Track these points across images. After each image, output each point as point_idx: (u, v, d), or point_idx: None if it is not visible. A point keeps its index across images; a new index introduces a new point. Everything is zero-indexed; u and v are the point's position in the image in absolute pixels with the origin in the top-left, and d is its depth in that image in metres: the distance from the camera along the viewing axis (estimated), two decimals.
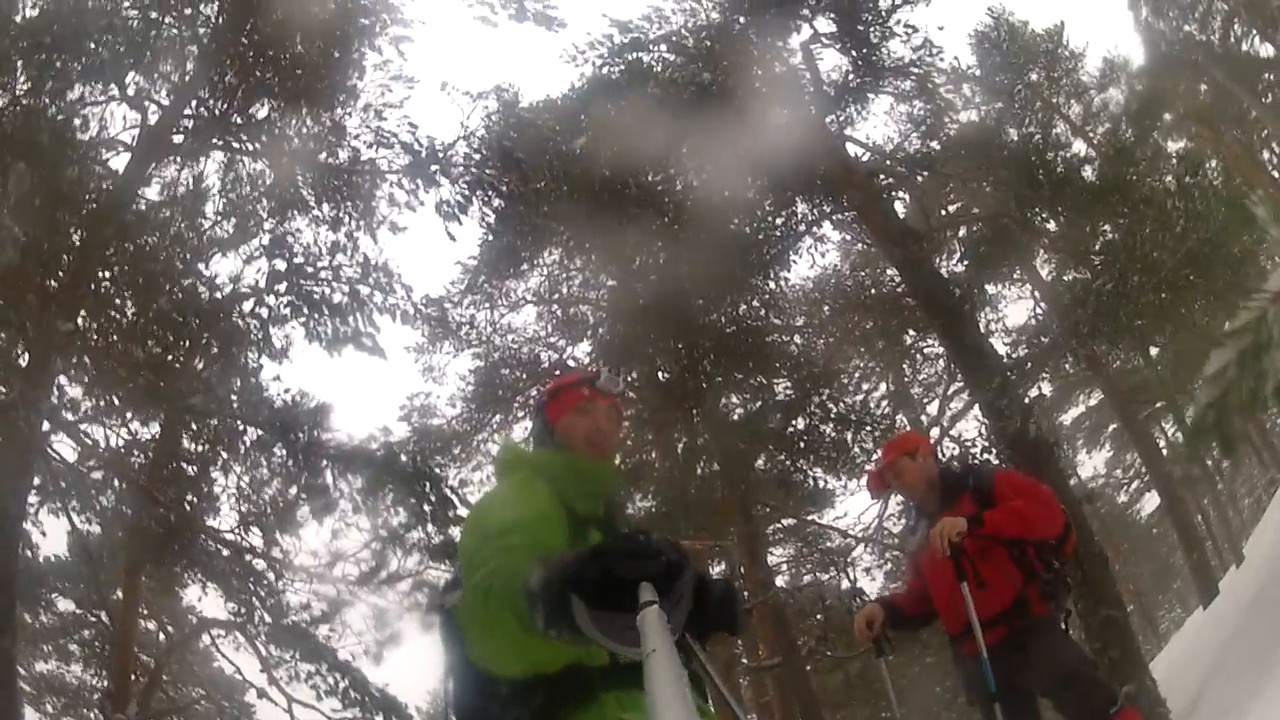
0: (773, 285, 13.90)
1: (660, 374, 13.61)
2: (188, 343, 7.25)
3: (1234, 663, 7.55)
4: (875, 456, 5.31)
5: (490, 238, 12.95)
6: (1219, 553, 23.50)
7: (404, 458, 9.10)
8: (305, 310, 8.34)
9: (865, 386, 18.25)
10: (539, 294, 16.03)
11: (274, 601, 9.48)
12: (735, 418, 15.75)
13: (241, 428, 7.28)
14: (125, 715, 8.32)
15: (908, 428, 16.11)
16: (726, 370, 13.59)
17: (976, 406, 10.45)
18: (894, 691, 5.01)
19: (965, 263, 11.57)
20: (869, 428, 14.07)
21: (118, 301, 8.01)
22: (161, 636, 12.60)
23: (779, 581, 17.54)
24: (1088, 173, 10.25)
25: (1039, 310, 17.46)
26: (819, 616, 12.21)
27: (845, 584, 11.61)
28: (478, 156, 10.44)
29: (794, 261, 13.79)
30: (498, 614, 1.66)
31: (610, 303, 14.72)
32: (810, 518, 16.98)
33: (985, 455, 11.15)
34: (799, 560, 19.54)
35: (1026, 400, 8.74)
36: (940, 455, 4.89)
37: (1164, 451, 22.87)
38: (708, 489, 14.25)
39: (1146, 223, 8.31)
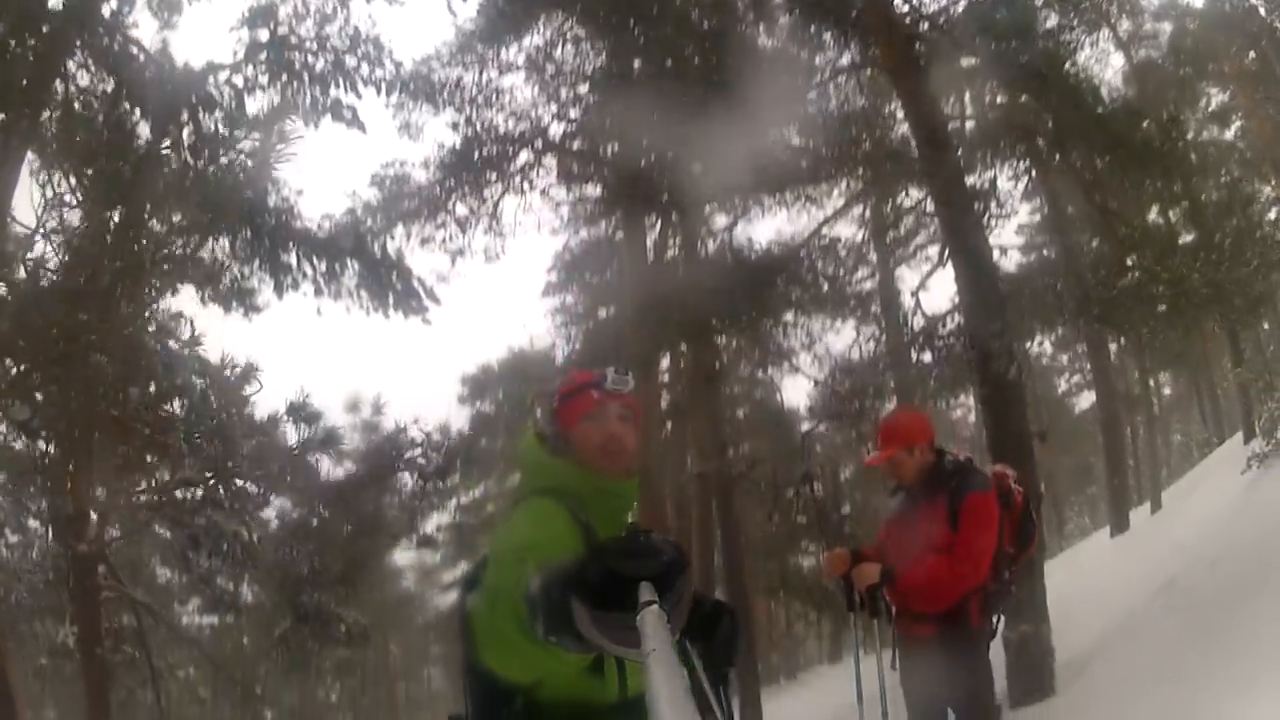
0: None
1: (643, 162, 13.25)
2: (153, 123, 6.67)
3: (1139, 642, 7.74)
4: (878, 433, 5.17)
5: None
6: (1138, 478, 24.25)
7: (374, 245, 8.75)
8: (284, 77, 7.69)
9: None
10: (532, 61, 15.02)
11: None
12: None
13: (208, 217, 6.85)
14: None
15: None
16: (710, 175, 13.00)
17: (961, 320, 10.20)
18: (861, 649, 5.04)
19: (988, 170, 10.90)
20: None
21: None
22: None
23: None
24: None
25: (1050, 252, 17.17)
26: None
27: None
28: None
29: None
30: (502, 620, 1.68)
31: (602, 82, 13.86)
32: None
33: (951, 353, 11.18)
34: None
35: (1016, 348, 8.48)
36: (934, 444, 4.76)
37: (1113, 358, 23.17)
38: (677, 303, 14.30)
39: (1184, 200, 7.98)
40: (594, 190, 17.09)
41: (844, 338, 17.24)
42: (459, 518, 24.81)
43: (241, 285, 7.42)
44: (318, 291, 8.33)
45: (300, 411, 10.16)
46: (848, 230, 17.40)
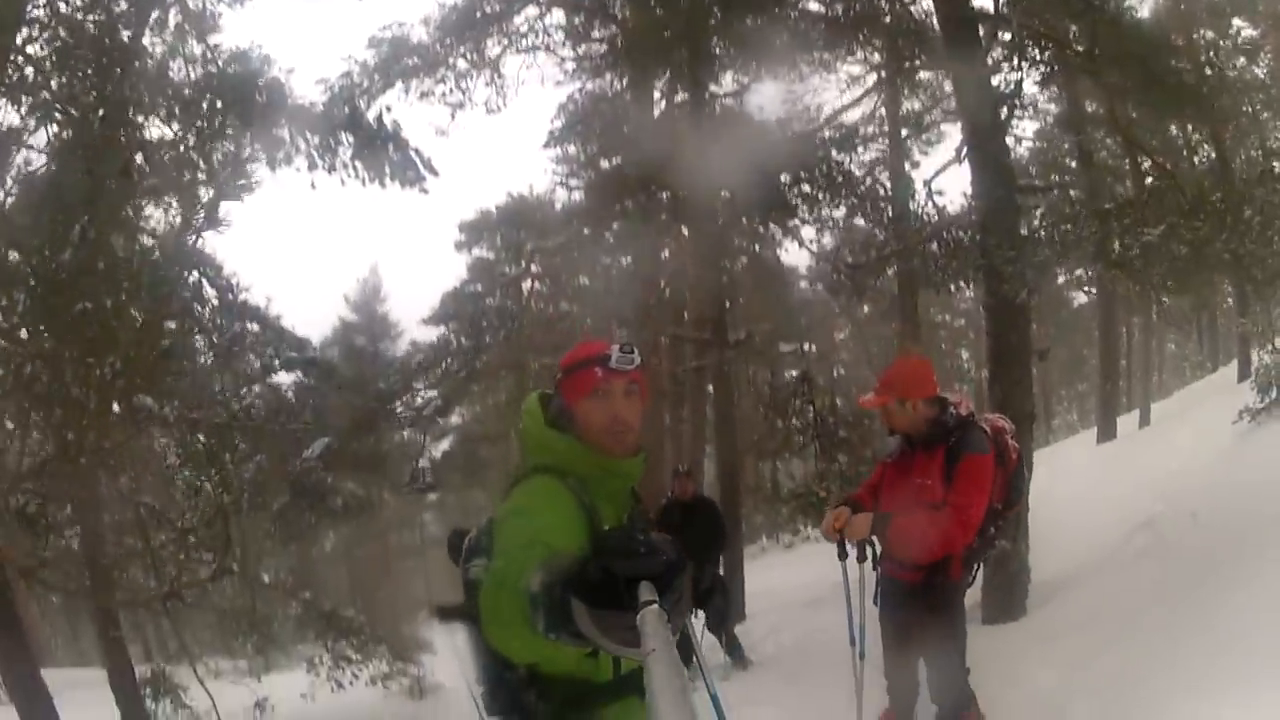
0: None
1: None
2: None
3: (1111, 579, 7.82)
4: (880, 378, 5.14)
5: None
6: (1129, 381, 24.31)
7: (370, 114, 8.36)
8: None
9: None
10: None
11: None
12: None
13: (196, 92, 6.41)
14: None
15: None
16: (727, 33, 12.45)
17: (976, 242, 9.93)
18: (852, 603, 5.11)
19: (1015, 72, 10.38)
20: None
21: None
22: None
23: None
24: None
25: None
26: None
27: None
28: None
29: None
30: (508, 608, 1.68)
31: None
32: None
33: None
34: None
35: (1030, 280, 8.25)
36: (938, 393, 4.73)
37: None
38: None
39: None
40: (600, 45, 16.57)
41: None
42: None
43: (237, 165, 7.12)
44: (311, 166, 8.04)
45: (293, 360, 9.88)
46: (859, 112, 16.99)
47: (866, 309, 23.68)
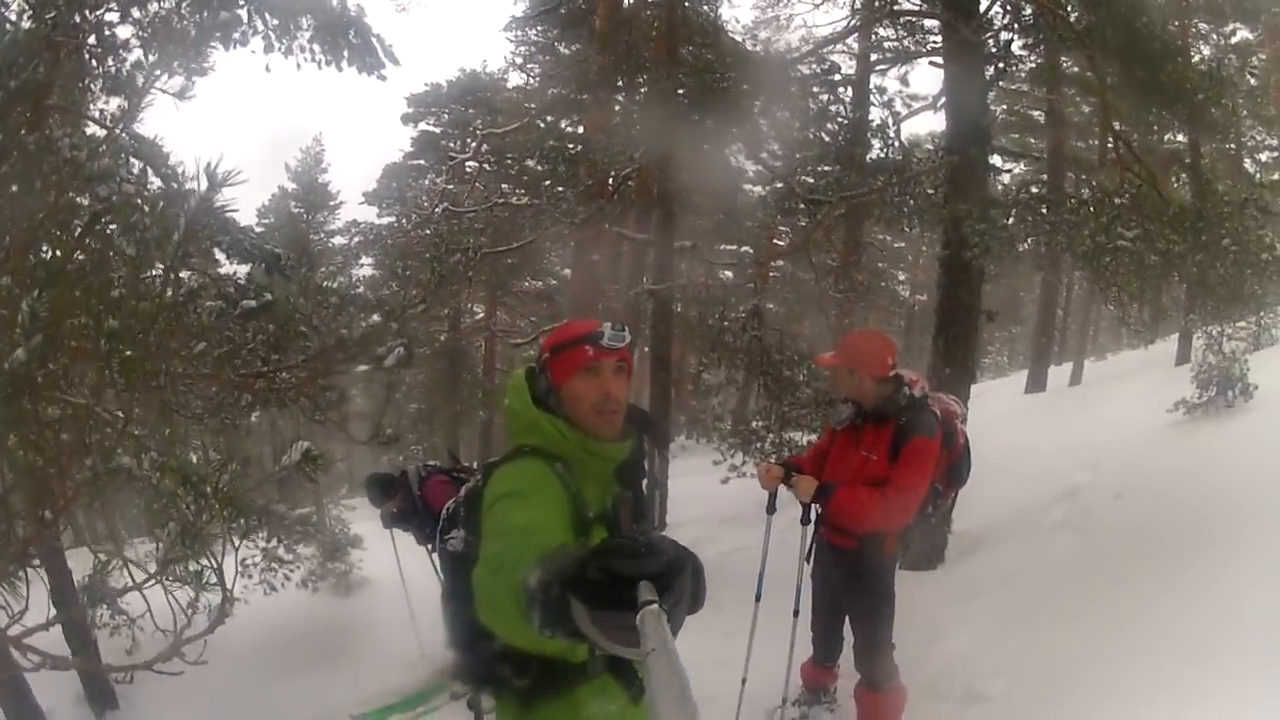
0: None
1: None
2: None
3: (1028, 545, 8.02)
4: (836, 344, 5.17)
5: None
6: (1063, 335, 24.81)
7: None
8: None
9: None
10: None
11: None
12: None
13: None
14: None
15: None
16: None
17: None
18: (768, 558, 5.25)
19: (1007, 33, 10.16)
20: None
21: None
22: None
23: None
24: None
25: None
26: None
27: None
28: None
29: None
30: (502, 595, 1.68)
31: None
32: None
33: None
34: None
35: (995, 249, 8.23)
36: (895, 373, 4.76)
37: None
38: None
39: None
40: None
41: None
42: None
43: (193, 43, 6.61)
44: (268, 48, 7.55)
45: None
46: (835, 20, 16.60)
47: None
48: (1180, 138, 12.63)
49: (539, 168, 18.97)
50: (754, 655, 5.13)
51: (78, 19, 4.74)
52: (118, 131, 4.96)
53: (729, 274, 20.18)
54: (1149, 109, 8.88)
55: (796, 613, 5.15)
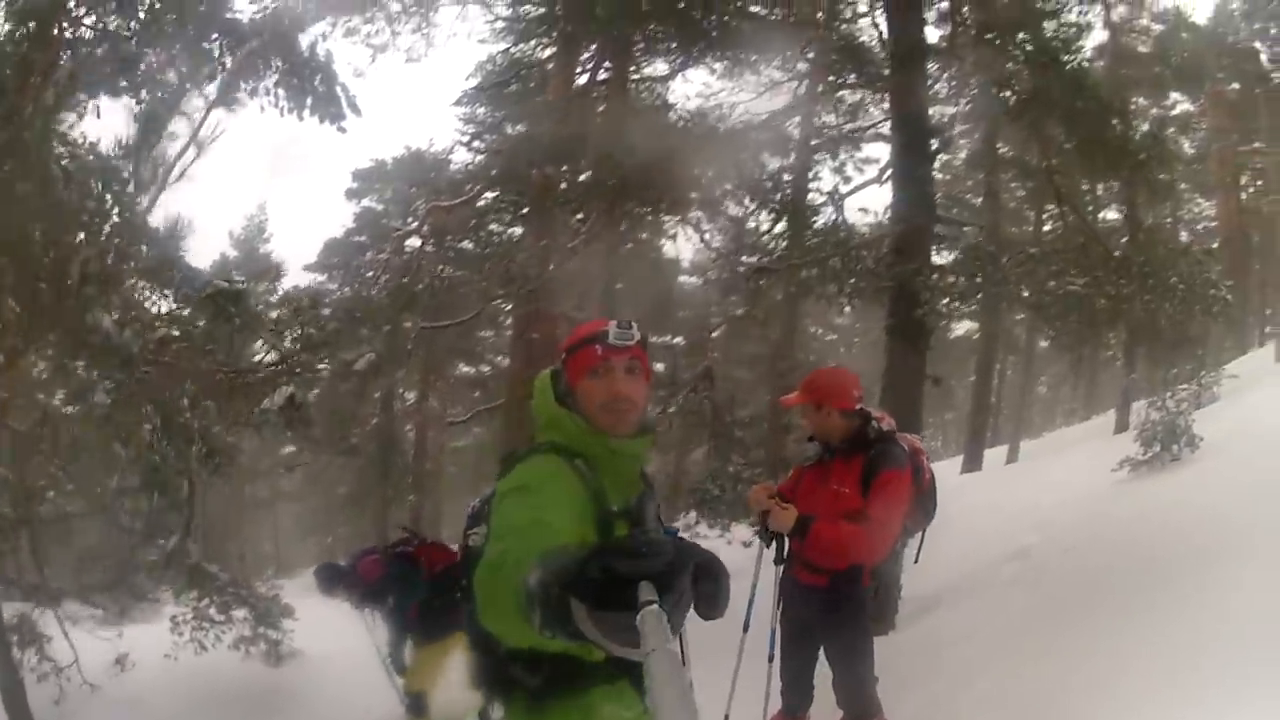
0: None
1: None
2: None
3: (983, 603, 8.06)
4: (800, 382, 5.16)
5: None
6: (997, 418, 25.36)
7: (302, 41, 7.92)
8: None
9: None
10: None
11: None
12: None
13: None
14: None
15: None
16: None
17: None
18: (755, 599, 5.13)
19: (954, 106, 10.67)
20: None
21: None
22: None
23: None
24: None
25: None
26: None
27: None
28: None
29: None
30: (503, 598, 1.66)
31: None
32: None
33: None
34: None
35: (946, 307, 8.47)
36: (860, 406, 4.76)
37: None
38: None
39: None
40: (536, 8, 16.34)
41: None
42: None
43: (158, 76, 6.55)
44: (234, 87, 7.52)
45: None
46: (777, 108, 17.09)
47: (741, 312, 24.00)
48: (1114, 215, 13.24)
49: (479, 250, 19.15)
50: (737, 694, 4.98)
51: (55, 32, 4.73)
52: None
53: (680, 339, 20.34)
54: (1093, 169, 9.27)
55: (771, 658, 5.02)
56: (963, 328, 29.02)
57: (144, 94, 5.57)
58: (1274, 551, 5.81)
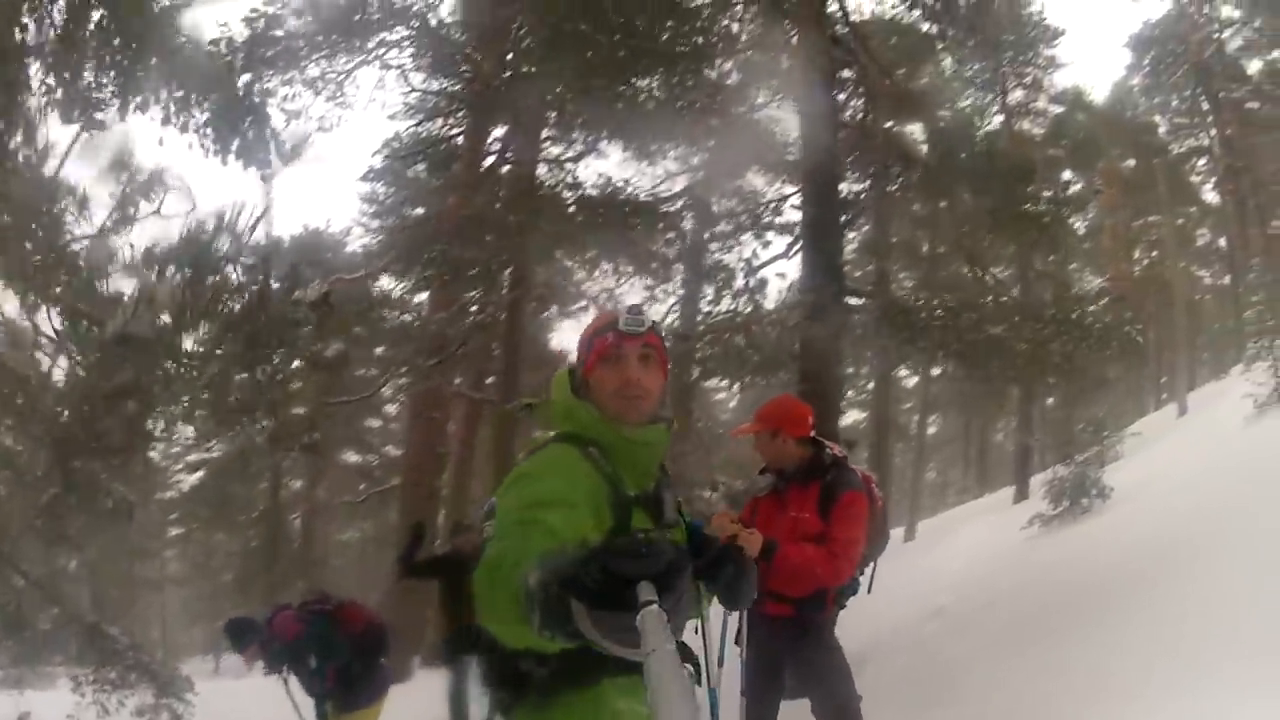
0: None
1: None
2: None
3: (910, 660, 8.11)
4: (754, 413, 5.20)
5: None
6: (887, 501, 25.85)
7: (239, 82, 7.75)
8: None
9: None
10: None
11: None
12: None
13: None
14: None
15: None
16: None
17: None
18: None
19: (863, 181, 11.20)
20: None
21: None
22: None
23: None
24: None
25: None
26: None
27: None
28: None
29: None
30: (502, 600, 1.65)
31: None
32: None
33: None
34: None
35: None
36: (811, 434, 4.81)
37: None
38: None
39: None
40: (452, 86, 16.47)
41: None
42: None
43: (90, 94, 6.32)
44: (166, 119, 7.31)
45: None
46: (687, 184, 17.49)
47: None
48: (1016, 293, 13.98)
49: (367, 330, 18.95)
50: None
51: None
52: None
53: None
54: (999, 232, 9.81)
55: (744, 692, 4.92)
56: (850, 417, 29.81)
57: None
58: (1190, 580, 6.14)
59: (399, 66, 14.35)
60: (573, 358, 2.42)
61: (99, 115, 6.35)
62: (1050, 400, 17.69)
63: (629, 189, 15.78)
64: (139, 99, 6.45)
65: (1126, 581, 6.71)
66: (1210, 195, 26.94)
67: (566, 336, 24.76)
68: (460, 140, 18.15)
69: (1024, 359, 7.83)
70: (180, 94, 7.24)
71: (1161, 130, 22.90)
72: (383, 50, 13.75)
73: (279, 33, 11.27)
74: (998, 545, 10.64)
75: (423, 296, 17.79)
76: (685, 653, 2.12)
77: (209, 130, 7.68)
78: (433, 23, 13.96)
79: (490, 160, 18.44)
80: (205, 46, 7.54)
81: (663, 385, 2.29)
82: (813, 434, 4.73)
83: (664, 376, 2.30)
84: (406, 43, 14.04)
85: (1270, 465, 8.15)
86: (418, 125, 18.34)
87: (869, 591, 5.98)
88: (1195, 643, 5.08)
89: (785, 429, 4.66)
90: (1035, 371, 8.67)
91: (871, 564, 5.24)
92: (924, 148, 10.94)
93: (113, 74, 5.47)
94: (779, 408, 4.88)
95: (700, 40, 11.39)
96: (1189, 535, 7.13)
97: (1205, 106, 23.24)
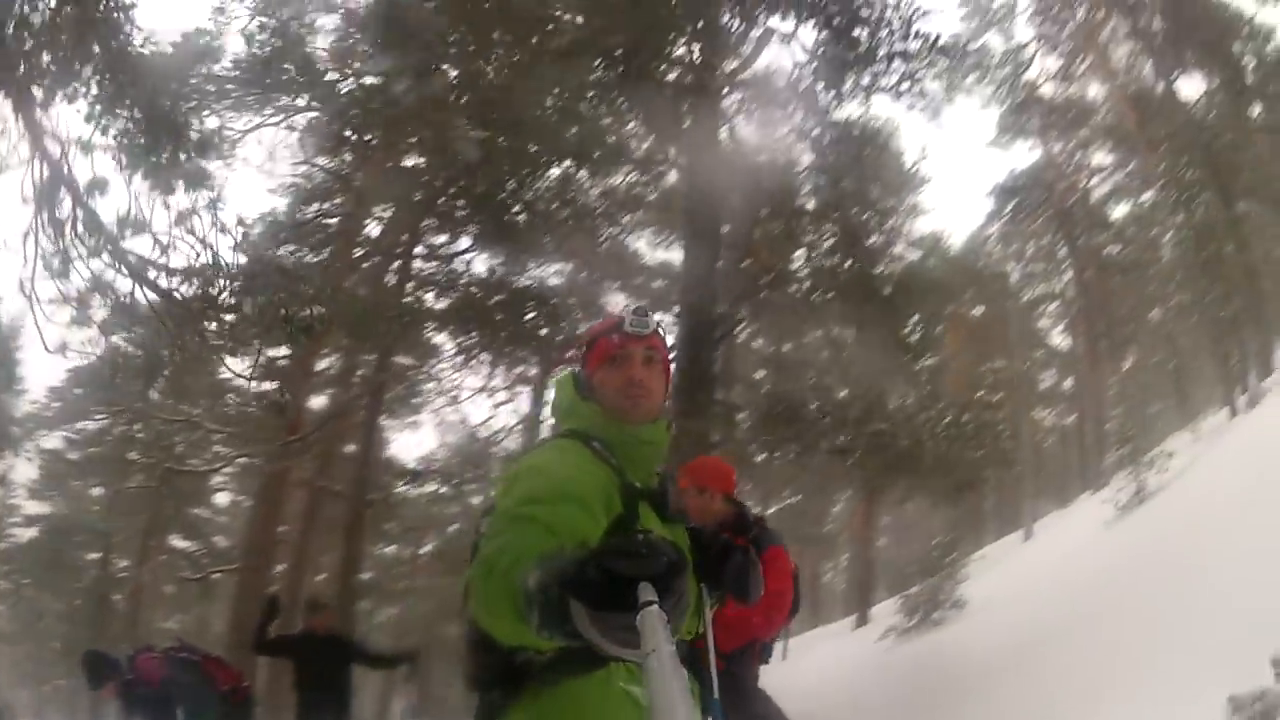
0: None
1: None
2: None
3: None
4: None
5: None
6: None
7: (167, 101, 7.55)
8: None
9: None
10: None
11: None
12: None
13: None
14: None
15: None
16: None
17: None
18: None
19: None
20: None
21: None
22: None
23: None
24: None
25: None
26: None
27: None
28: None
29: None
30: (496, 595, 1.65)
31: None
32: None
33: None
34: None
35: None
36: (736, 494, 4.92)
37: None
38: None
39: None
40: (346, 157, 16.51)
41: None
42: None
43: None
44: (90, 116, 7.02)
45: None
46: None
47: None
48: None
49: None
50: None
51: None
52: None
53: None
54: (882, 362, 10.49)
55: None
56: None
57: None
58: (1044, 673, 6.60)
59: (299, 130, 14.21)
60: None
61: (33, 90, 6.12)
62: (908, 504, 18.25)
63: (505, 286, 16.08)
64: (69, 89, 6.26)
65: (981, 680, 6.99)
66: (1059, 339, 29.14)
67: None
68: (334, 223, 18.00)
69: (904, 457, 8.22)
70: (112, 89, 7.01)
71: (1014, 278, 24.37)
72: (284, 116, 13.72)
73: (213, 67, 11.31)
74: (851, 660, 10.85)
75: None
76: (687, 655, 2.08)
77: (124, 140, 7.36)
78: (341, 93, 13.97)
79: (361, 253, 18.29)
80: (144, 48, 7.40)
81: (665, 387, 2.32)
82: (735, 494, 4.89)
83: (667, 379, 2.32)
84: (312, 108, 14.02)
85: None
86: (302, 204, 17.99)
87: (784, 658, 6.00)
88: None
89: (714, 485, 4.78)
90: (911, 464, 9.15)
91: (787, 629, 5.38)
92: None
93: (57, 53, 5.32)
94: (705, 466, 5.00)
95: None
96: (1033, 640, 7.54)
97: (1062, 253, 24.91)
